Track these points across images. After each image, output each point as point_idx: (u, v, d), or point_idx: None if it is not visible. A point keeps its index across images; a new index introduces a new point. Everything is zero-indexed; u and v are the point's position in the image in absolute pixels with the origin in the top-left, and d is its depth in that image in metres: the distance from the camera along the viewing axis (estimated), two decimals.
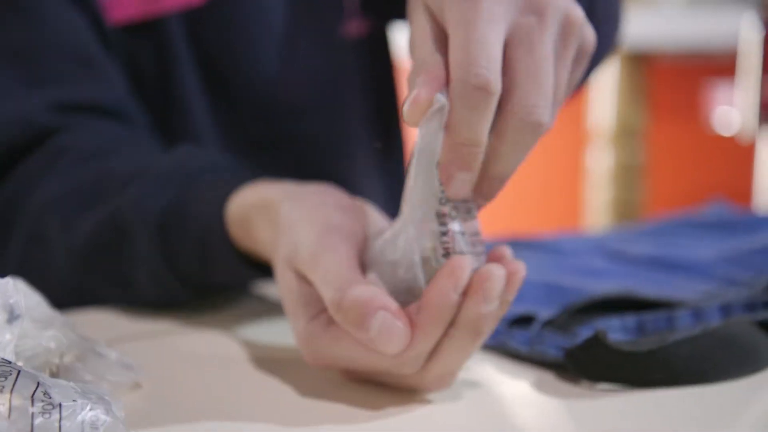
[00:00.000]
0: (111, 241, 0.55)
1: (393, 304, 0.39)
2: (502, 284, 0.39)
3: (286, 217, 0.45)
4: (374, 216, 0.46)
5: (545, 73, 0.40)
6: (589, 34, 0.43)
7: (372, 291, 0.40)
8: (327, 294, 0.40)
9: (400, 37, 0.80)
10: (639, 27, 1.94)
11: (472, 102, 0.38)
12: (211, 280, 0.54)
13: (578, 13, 0.42)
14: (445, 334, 0.40)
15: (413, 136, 0.42)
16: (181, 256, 0.53)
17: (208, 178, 0.53)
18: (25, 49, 0.62)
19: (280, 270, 0.44)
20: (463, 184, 0.40)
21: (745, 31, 1.74)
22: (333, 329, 0.41)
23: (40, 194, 0.58)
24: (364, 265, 0.43)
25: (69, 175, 0.58)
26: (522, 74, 0.39)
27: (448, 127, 0.39)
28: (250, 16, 0.68)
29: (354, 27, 0.72)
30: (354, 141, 0.74)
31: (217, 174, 0.53)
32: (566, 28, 0.41)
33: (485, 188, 0.41)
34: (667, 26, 1.98)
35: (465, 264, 0.39)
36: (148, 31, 0.65)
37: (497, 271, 0.39)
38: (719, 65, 2.10)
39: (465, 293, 0.39)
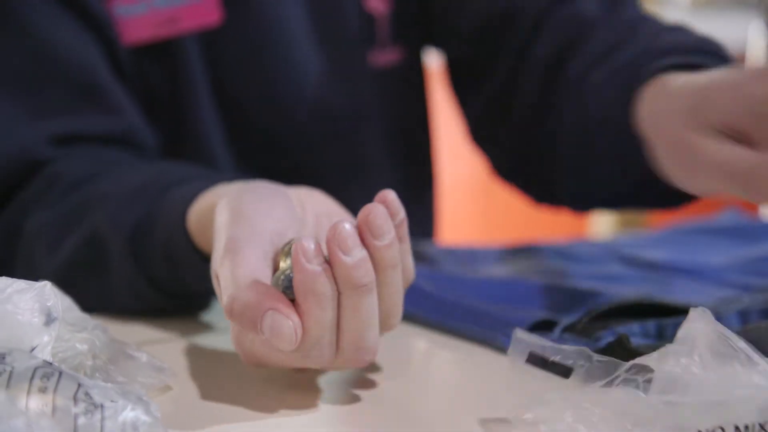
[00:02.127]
0: (90, 256, 0.56)
1: (282, 302, 0.40)
2: (351, 232, 0.40)
3: (216, 227, 0.46)
4: (316, 203, 0.48)
5: None
6: None
7: (260, 293, 0.41)
8: (222, 302, 0.42)
9: (432, 63, 0.79)
10: None
11: None
12: (188, 289, 0.55)
13: None
14: (338, 305, 0.41)
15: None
16: (153, 268, 0.54)
17: (175, 190, 0.54)
18: (31, 79, 0.63)
19: (212, 276, 0.46)
20: None
21: (752, 38, 1.75)
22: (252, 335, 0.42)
23: (31, 222, 0.60)
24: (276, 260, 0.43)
25: (59, 201, 0.59)
26: None
27: None
28: (269, 40, 0.68)
29: (384, 56, 0.72)
30: (376, 171, 0.73)
31: (184, 186, 0.54)
32: None
33: None
34: None
35: (306, 238, 0.40)
36: (162, 53, 0.65)
37: (341, 224, 0.40)
38: None
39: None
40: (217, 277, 0.44)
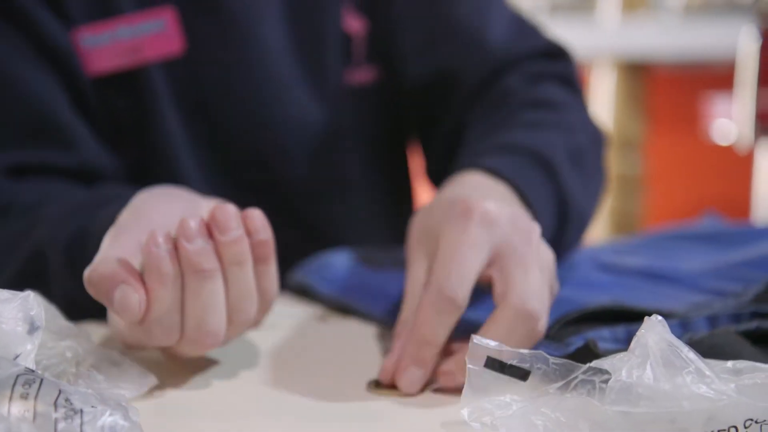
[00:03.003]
0: (32, 271, 0.59)
1: (134, 278, 0.44)
2: (194, 225, 0.44)
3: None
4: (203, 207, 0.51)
5: (534, 275, 0.46)
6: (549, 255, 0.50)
7: (117, 267, 0.44)
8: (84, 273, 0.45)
9: (407, 84, 0.80)
10: (636, 36, 1.97)
11: (441, 309, 0.45)
12: None
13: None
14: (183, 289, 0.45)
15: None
16: None
17: (110, 206, 0.56)
18: None
19: None
20: (414, 377, 0.45)
21: (743, 42, 1.77)
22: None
23: None
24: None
25: (5, 228, 0.62)
26: (514, 276, 0.46)
27: (414, 325, 0.46)
28: (248, 58, 0.69)
29: (359, 75, 0.74)
30: (353, 188, 0.75)
31: (120, 201, 0.56)
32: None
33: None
34: (665, 36, 2.00)
35: (159, 229, 0.44)
36: (127, 80, 0.67)
37: (188, 218, 0.45)
38: (717, 76, 2.12)
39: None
40: None
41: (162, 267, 0.44)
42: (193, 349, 0.46)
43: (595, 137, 0.71)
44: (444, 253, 0.47)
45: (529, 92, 0.71)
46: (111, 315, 0.47)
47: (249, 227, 0.46)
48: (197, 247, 0.44)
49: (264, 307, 0.48)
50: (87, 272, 0.45)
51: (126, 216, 0.49)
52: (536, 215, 0.57)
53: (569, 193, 0.62)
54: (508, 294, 0.46)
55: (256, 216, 0.46)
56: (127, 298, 0.44)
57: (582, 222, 0.65)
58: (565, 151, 0.64)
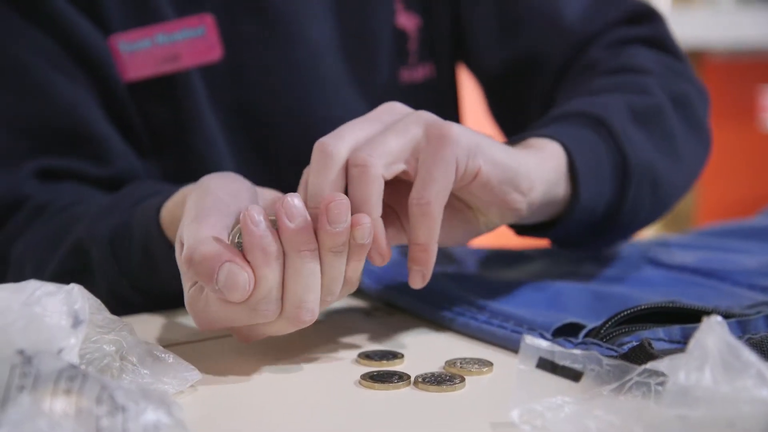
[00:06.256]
0: (74, 265, 0.59)
1: (239, 256, 0.44)
2: (297, 203, 0.45)
3: (188, 204, 0.50)
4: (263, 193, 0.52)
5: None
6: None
7: (220, 247, 0.45)
8: (183, 253, 0.45)
9: (464, 79, 0.79)
10: (689, 23, 1.92)
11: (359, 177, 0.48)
12: (164, 285, 0.57)
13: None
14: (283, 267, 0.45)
15: None
16: (132, 264, 0.57)
17: (149, 198, 0.57)
18: (26, 125, 0.65)
19: (176, 244, 0.49)
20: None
21: None
22: (206, 293, 0.46)
23: (17, 248, 0.63)
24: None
25: (43, 226, 0.63)
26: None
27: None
28: (295, 60, 0.68)
29: (415, 72, 0.73)
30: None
31: (158, 195, 0.56)
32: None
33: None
34: (719, 23, 1.95)
35: (252, 207, 0.45)
36: (166, 87, 0.66)
37: (290, 196, 0.45)
38: None
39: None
40: (181, 242, 0.47)
41: (266, 245, 0.44)
42: (288, 326, 0.47)
43: (681, 98, 0.66)
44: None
45: (610, 61, 0.68)
46: (194, 297, 0.47)
47: (355, 231, 0.46)
48: (300, 227, 0.45)
49: (345, 291, 0.49)
50: (187, 252, 0.45)
51: (197, 199, 0.49)
52: (577, 168, 0.56)
53: (629, 149, 0.59)
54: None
55: (364, 221, 0.46)
56: (235, 277, 0.44)
57: (656, 181, 0.62)
58: (627, 111, 0.61)
